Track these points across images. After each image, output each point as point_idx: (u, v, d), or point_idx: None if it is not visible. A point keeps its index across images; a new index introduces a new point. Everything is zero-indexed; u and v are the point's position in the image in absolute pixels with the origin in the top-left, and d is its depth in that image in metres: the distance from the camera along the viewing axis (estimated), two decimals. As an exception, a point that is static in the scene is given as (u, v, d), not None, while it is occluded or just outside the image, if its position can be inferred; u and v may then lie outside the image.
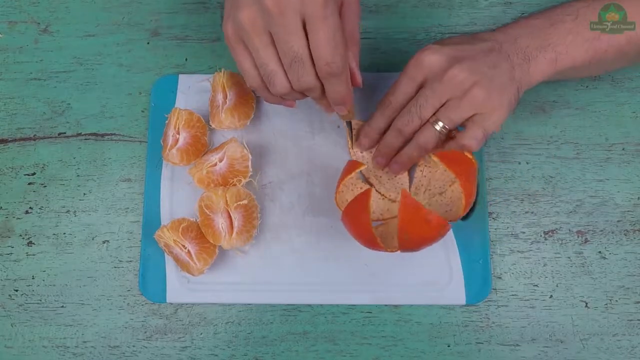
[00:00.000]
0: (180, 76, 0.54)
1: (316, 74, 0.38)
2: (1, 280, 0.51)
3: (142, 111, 0.54)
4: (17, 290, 0.51)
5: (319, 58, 0.37)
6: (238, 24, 0.37)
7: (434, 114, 0.43)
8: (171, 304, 0.50)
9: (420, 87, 0.44)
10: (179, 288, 0.50)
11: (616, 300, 0.49)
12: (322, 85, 0.40)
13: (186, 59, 0.55)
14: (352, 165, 0.47)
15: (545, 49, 0.44)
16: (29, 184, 0.53)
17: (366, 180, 0.51)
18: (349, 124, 0.49)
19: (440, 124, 0.43)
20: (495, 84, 0.42)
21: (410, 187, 0.50)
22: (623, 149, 0.52)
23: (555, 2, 0.54)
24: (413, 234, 0.41)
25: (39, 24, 0.57)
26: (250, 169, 0.49)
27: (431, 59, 0.42)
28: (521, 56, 0.44)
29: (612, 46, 0.44)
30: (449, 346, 0.49)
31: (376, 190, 0.50)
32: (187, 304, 0.50)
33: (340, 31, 0.36)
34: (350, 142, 0.50)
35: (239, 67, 0.41)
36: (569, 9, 0.45)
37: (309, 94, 0.41)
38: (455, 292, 0.49)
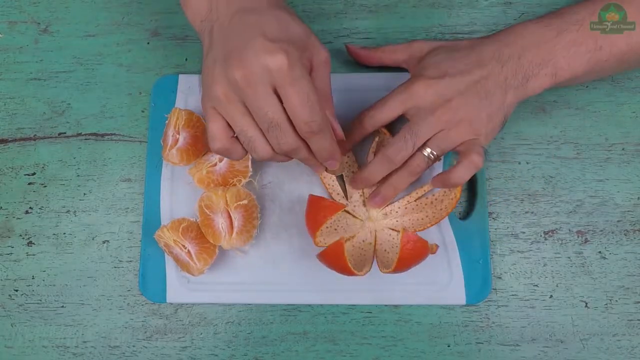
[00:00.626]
0: (180, 76, 0.54)
1: (297, 134, 0.39)
2: (1, 280, 0.51)
3: (142, 111, 0.54)
4: (17, 290, 0.51)
5: (297, 120, 0.37)
6: (214, 98, 0.38)
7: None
8: (171, 304, 0.50)
9: (405, 113, 0.45)
10: (179, 288, 0.50)
11: (616, 300, 0.49)
12: (306, 145, 0.40)
13: (186, 59, 0.55)
14: (331, 208, 0.46)
15: (547, 65, 0.44)
16: (29, 184, 0.53)
17: (331, 198, 0.50)
18: (341, 177, 0.48)
19: (429, 149, 0.44)
20: (483, 115, 0.44)
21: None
22: (623, 149, 0.52)
23: (555, 2, 0.54)
24: (411, 264, 0.45)
25: (39, 24, 0.57)
26: (250, 169, 0.49)
27: (424, 93, 0.44)
28: (520, 77, 0.44)
29: (613, 56, 0.44)
30: (449, 346, 0.49)
31: (346, 211, 0.50)
32: (187, 304, 0.50)
33: (313, 90, 0.37)
34: (345, 195, 0.49)
35: (208, 132, 0.40)
36: (574, 17, 0.44)
37: (294, 155, 0.41)
38: (455, 292, 0.49)
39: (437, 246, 0.45)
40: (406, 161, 0.45)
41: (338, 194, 0.50)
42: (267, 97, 0.36)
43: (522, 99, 0.45)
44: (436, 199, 0.49)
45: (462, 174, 0.44)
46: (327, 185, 0.50)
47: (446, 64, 0.45)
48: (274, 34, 0.37)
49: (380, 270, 0.46)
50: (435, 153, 0.44)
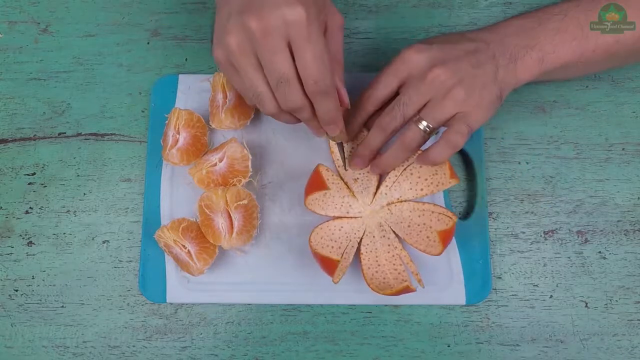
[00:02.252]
0: (180, 76, 0.54)
1: (303, 93, 0.39)
2: (1, 280, 0.51)
3: (142, 111, 0.54)
4: (17, 290, 0.51)
5: (307, 77, 0.37)
6: (226, 48, 0.38)
7: (417, 113, 0.43)
8: (171, 304, 0.50)
9: (401, 85, 0.44)
10: (179, 288, 0.50)
11: (616, 300, 0.49)
12: (311, 105, 0.40)
13: (186, 59, 0.55)
14: (320, 185, 0.47)
15: (532, 49, 0.44)
16: (29, 184, 0.53)
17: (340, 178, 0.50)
18: (341, 145, 0.48)
19: (424, 122, 0.43)
20: (477, 83, 0.42)
21: (375, 193, 0.50)
22: (623, 149, 0.52)
23: (554, 2, 0.54)
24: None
25: (39, 23, 0.57)
26: (250, 169, 0.49)
27: (416, 58, 0.43)
28: (507, 56, 0.44)
29: (600, 46, 0.45)
30: (449, 346, 0.49)
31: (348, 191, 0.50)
32: (187, 304, 0.50)
33: (326, 50, 0.37)
34: (344, 164, 0.49)
35: (236, 88, 0.42)
36: (556, 8, 0.46)
37: (298, 114, 0.41)
38: (455, 292, 0.49)
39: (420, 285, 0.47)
40: (402, 135, 0.44)
41: (338, 159, 0.50)
42: (281, 50, 0.36)
43: (515, 85, 0.45)
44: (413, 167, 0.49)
45: (440, 152, 0.43)
46: (335, 159, 0.50)
47: (435, 40, 0.45)
48: None
49: (367, 283, 0.47)
50: (430, 125, 0.43)
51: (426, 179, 0.48)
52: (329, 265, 0.46)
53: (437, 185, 0.48)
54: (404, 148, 0.44)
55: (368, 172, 0.49)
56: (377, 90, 0.45)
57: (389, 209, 0.49)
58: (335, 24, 0.41)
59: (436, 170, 0.48)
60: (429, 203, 0.48)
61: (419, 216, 0.48)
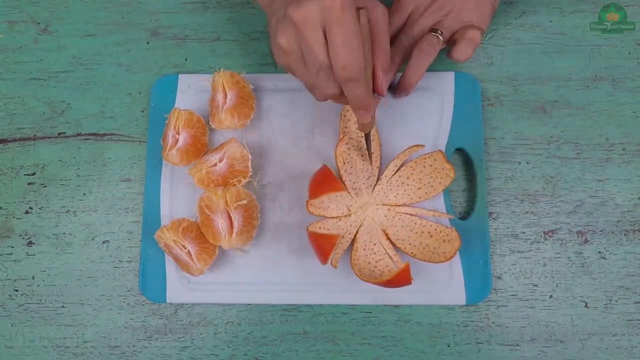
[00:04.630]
0: (180, 76, 0.54)
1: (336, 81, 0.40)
2: (1, 280, 0.51)
3: (142, 111, 0.54)
4: (17, 290, 0.51)
5: (336, 62, 0.37)
6: (279, 46, 0.40)
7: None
8: (171, 304, 0.50)
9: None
10: (179, 288, 0.50)
11: (616, 300, 0.49)
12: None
13: (186, 59, 0.55)
14: (334, 185, 0.47)
15: None
16: (29, 184, 0.53)
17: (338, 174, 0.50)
18: (368, 136, 0.47)
19: (439, 31, 0.47)
20: (471, 3, 0.48)
21: (377, 182, 0.50)
22: (623, 149, 0.52)
23: (555, 1, 0.54)
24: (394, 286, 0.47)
25: (38, 23, 0.56)
26: (250, 169, 0.49)
27: None
28: None
29: None
30: (449, 346, 0.49)
31: (343, 183, 0.50)
32: (187, 304, 0.50)
33: (358, 35, 0.37)
34: (369, 156, 0.49)
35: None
36: None
37: (337, 101, 0.43)
38: (455, 292, 0.49)
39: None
40: (418, 47, 0.47)
41: (363, 153, 0.50)
42: (317, 38, 0.37)
43: None
44: (412, 169, 0.49)
45: (463, 48, 0.47)
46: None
47: None
48: None
49: (355, 273, 0.47)
50: (443, 32, 0.47)
51: (427, 182, 0.49)
52: (325, 246, 0.46)
53: (440, 183, 0.49)
54: (424, 53, 0.47)
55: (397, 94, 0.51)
56: (392, 26, 0.49)
57: (386, 216, 0.49)
58: (379, 12, 0.41)
59: (435, 170, 0.49)
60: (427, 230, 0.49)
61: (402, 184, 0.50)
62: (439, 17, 0.48)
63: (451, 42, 0.48)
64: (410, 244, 0.48)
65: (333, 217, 0.49)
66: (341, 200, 0.49)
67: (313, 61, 0.38)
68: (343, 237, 0.49)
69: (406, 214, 0.49)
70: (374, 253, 0.48)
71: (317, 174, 0.48)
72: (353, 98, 0.40)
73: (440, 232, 0.48)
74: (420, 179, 0.49)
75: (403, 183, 0.49)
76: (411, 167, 0.49)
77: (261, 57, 0.55)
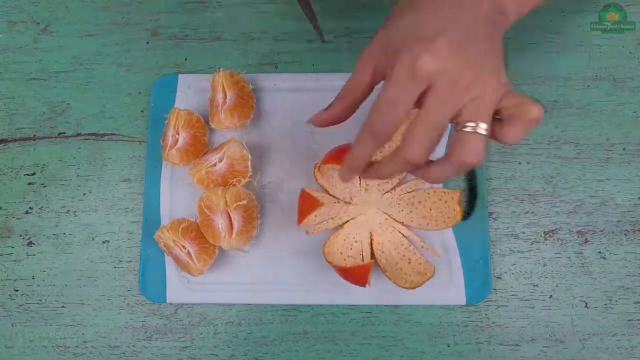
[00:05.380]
0: (180, 76, 0.54)
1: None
2: (1, 280, 0.51)
3: (142, 111, 0.54)
4: (17, 290, 0.51)
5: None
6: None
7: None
8: (171, 304, 0.50)
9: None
10: (179, 288, 0.50)
11: (616, 300, 0.49)
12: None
13: (185, 59, 0.55)
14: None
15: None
16: (29, 184, 0.53)
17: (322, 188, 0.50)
18: None
19: (483, 125, 0.33)
20: (489, 65, 0.34)
21: (360, 186, 0.50)
22: (624, 149, 0.52)
23: (555, 2, 0.54)
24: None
25: (38, 23, 0.56)
26: (250, 169, 0.49)
27: (433, 68, 0.32)
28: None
29: None
30: (448, 346, 0.49)
31: (329, 194, 0.49)
32: (187, 304, 0.50)
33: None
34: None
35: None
36: None
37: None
38: (455, 292, 0.49)
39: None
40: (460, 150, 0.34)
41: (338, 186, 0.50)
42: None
43: (505, 22, 0.37)
44: (428, 196, 0.49)
45: (518, 131, 0.34)
46: (320, 182, 0.49)
47: (433, 26, 0.34)
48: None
49: (323, 252, 0.47)
50: (485, 124, 0.33)
51: (434, 216, 0.49)
52: (307, 207, 0.46)
53: (444, 222, 0.48)
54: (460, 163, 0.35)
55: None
56: (393, 117, 0.35)
57: (381, 223, 0.49)
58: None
59: (446, 208, 0.48)
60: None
61: (410, 205, 0.49)
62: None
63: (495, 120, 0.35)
64: (386, 260, 0.48)
65: (333, 196, 0.49)
66: (349, 185, 0.49)
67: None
68: (332, 218, 0.49)
69: (400, 232, 0.49)
70: (351, 249, 0.48)
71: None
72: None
73: (420, 264, 0.48)
74: (430, 210, 0.48)
75: (413, 204, 0.49)
76: (428, 194, 0.49)
77: (261, 57, 0.55)
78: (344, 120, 0.39)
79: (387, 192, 0.49)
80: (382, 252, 0.48)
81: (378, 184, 0.49)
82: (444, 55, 0.32)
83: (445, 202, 0.48)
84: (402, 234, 0.49)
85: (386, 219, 0.49)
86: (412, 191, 0.49)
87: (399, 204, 0.49)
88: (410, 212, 0.49)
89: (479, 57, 0.34)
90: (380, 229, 0.49)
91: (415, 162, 0.34)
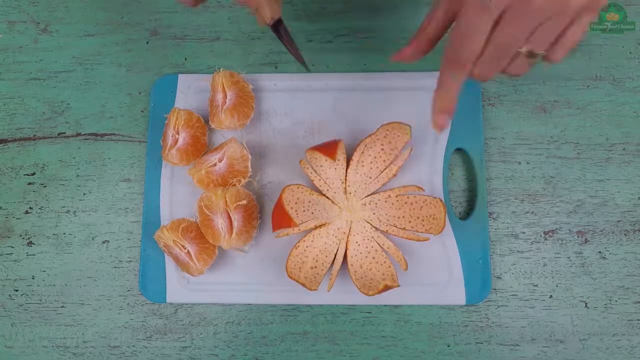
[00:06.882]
0: (180, 76, 0.54)
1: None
2: (1, 280, 0.51)
3: (142, 111, 0.54)
4: (17, 290, 0.51)
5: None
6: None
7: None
8: (171, 304, 0.50)
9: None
10: (179, 288, 0.50)
11: (616, 300, 0.49)
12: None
13: (185, 59, 0.55)
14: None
15: None
16: (29, 184, 0.53)
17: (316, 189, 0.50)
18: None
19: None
20: None
21: (347, 184, 0.49)
22: (624, 149, 0.52)
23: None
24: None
25: (38, 23, 0.56)
26: (250, 169, 0.49)
27: None
28: None
29: None
30: (448, 346, 0.49)
31: (326, 196, 0.49)
32: (187, 304, 0.50)
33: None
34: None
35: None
36: None
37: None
38: (455, 292, 0.49)
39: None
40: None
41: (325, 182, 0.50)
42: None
43: None
44: (416, 202, 0.48)
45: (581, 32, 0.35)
46: (310, 175, 0.49)
47: None
48: None
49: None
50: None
51: (404, 216, 0.48)
52: (283, 221, 0.47)
53: (427, 230, 0.48)
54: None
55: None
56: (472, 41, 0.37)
57: (371, 209, 0.49)
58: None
59: (433, 216, 0.48)
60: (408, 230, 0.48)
61: (397, 209, 0.49)
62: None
63: None
64: (356, 256, 0.48)
65: (319, 190, 0.49)
66: (334, 179, 0.49)
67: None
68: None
69: (375, 240, 0.48)
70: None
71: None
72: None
73: (387, 269, 0.47)
74: (418, 217, 0.48)
75: (401, 208, 0.49)
76: (416, 202, 0.48)
77: (261, 57, 0.55)
78: (422, 57, 0.41)
79: (368, 196, 0.49)
80: (353, 256, 0.48)
81: (361, 189, 0.49)
82: None
83: (429, 211, 0.48)
84: (378, 243, 0.48)
85: (364, 226, 0.49)
86: (397, 196, 0.49)
87: (384, 207, 0.49)
88: (403, 216, 0.49)
89: None
90: (355, 233, 0.48)
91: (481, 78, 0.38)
